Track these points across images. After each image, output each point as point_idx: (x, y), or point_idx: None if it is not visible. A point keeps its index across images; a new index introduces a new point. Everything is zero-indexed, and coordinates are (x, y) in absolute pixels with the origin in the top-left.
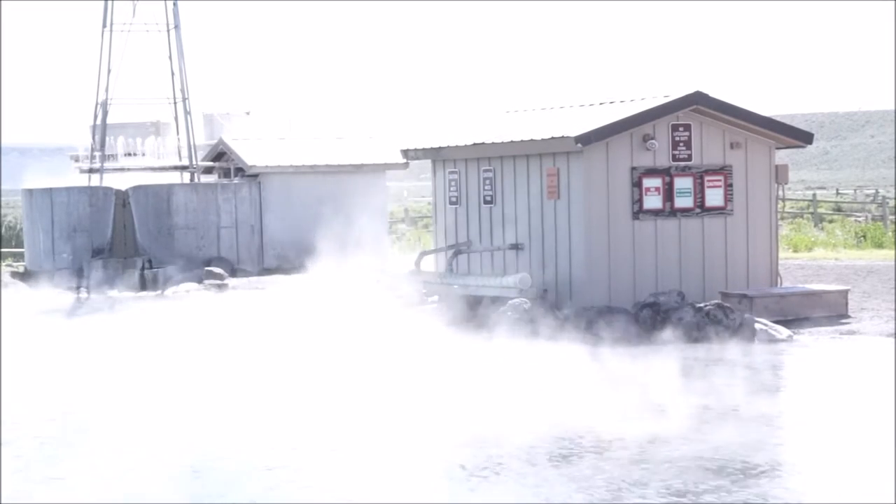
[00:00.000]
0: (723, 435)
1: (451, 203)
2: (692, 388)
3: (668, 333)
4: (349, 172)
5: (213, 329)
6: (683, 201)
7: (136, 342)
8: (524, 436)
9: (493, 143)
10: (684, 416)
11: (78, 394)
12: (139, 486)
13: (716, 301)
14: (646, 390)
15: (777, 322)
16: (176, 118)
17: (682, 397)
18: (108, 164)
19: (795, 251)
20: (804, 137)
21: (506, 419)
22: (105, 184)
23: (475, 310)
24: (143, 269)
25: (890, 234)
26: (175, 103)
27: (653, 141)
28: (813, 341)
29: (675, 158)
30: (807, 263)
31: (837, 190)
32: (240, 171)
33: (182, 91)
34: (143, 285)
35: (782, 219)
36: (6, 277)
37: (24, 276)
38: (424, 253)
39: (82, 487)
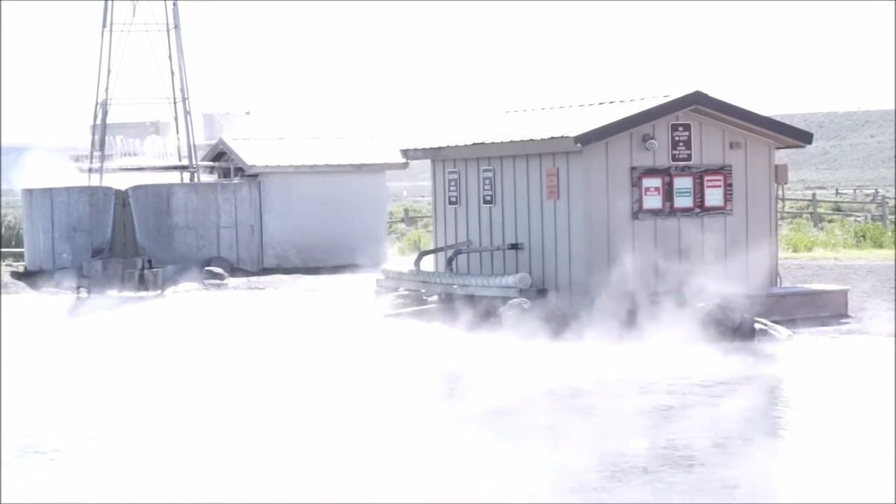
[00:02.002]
0: (721, 435)
1: (451, 203)
2: (691, 387)
3: (667, 333)
4: (349, 172)
5: (213, 330)
6: (683, 201)
7: (134, 343)
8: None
9: (492, 143)
10: (684, 415)
11: (77, 395)
12: (138, 487)
13: (715, 301)
14: (645, 390)
15: (777, 322)
16: (176, 118)
17: (681, 397)
18: (107, 164)
19: (795, 251)
20: (803, 137)
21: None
22: (105, 184)
23: (475, 310)
24: (142, 268)
25: (889, 233)
26: (175, 103)
27: (652, 141)
28: (812, 341)
29: (674, 158)
30: (806, 263)
31: (837, 190)
32: (239, 170)
33: (182, 91)
34: (143, 285)
35: (782, 218)
36: (6, 277)
37: (24, 275)
38: (424, 253)
39: (82, 488)
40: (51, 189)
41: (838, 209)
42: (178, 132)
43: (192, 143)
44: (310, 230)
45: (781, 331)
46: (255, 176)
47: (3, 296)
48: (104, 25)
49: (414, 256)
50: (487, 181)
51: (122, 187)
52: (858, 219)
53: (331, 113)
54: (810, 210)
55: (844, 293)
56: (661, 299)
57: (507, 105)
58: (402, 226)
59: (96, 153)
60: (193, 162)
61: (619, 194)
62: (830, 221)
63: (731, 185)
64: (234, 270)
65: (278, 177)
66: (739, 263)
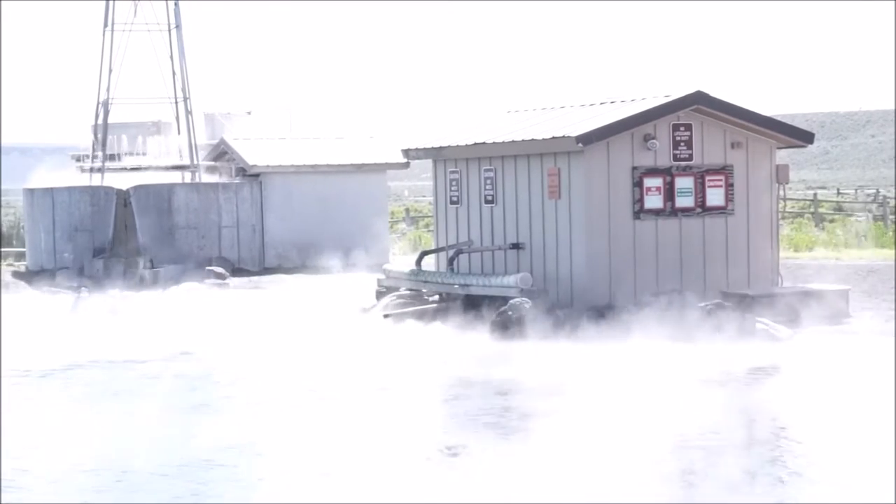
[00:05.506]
0: (721, 435)
1: (452, 203)
2: (692, 387)
3: (668, 333)
4: (350, 172)
5: (214, 330)
6: (684, 201)
7: (132, 343)
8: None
9: (493, 142)
10: (686, 415)
11: (75, 395)
12: (137, 487)
13: (716, 300)
14: (645, 390)
15: (778, 321)
16: (177, 118)
17: (681, 397)
18: (109, 164)
19: (796, 251)
20: (805, 137)
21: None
22: (106, 183)
23: (476, 309)
24: (144, 268)
25: (890, 233)
26: (176, 103)
27: (654, 141)
28: (813, 341)
29: (675, 158)
30: (807, 263)
31: (838, 190)
32: (241, 170)
33: (183, 91)
34: (144, 284)
35: (783, 218)
36: (7, 277)
37: (26, 275)
38: (425, 252)
39: (82, 488)
40: (52, 189)
41: (839, 209)
42: (179, 132)
43: (193, 142)
44: (311, 230)
45: (782, 330)
46: (257, 176)
47: (3, 295)
48: (105, 25)
49: (415, 256)
50: (489, 181)
51: (124, 187)
52: (860, 219)
53: (332, 113)
54: (811, 210)
55: (845, 293)
56: (663, 299)
57: (508, 105)
58: (403, 226)
59: (98, 153)
60: (195, 161)
61: (621, 194)
62: (831, 221)
63: (732, 184)
64: (236, 270)
65: (279, 177)
66: (740, 263)
